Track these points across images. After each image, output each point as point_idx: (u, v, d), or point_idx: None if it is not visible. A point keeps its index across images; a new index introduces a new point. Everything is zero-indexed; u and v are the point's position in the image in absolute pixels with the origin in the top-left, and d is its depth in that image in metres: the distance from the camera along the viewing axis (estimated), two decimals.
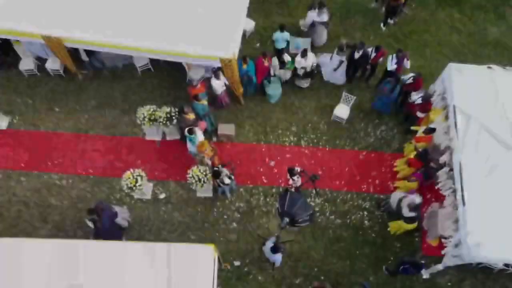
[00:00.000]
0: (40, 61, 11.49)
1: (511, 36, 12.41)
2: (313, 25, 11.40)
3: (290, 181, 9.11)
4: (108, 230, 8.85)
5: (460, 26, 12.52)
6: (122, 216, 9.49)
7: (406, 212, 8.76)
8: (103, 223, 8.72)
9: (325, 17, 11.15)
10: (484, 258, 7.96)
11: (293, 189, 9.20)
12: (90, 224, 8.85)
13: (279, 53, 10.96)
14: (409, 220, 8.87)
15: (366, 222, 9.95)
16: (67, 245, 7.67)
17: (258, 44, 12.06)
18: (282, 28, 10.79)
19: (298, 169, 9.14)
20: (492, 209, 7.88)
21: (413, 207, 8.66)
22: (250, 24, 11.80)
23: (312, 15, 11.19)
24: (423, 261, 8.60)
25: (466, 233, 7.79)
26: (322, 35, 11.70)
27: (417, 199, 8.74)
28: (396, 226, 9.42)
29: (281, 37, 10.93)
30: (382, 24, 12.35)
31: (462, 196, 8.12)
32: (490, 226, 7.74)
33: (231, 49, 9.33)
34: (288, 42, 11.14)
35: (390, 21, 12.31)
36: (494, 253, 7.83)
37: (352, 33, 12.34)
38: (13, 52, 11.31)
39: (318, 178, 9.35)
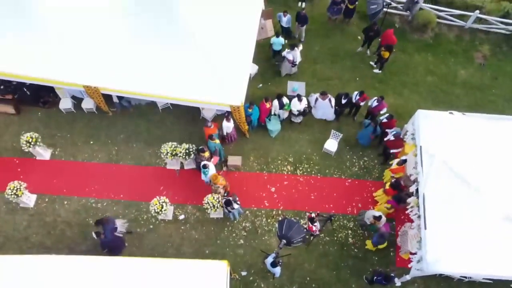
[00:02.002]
0: (75, 100, 13.54)
1: (478, 77, 14.46)
2: (283, 58, 13.69)
3: (314, 228, 10.80)
4: (111, 241, 10.57)
5: (434, 68, 14.55)
6: (120, 228, 11.19)
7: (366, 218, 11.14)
8: (106, 235, 10.45)
9: (290, 57, 13.35)
10: (440, 271, 9.99)
11: (316, 233, 10.95)
12: (94, 235, 10.56)
13: (275, 54, 13.97)
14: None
15: (350, 239, 11.97)
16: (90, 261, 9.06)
17: (260, 85, 14.10)
18: (278, 35, 13.66)
19: (314, 214, 10.80)
20: (448, 232, 9.85)
21: (376, 217, 10.87)
22: (254, 68, 13.87)
23: (286, 50, 13.48)
24: (393, 274, 10.54)
25: (426, 252, 9.82)
26: (287, 68, 13.88)
27: (376, 213, 10.96)
28: (369, 243, 11.49)
29: (277, 42, 13.73)
30: (378, 69, 14.38)
31: (424, 221, 10.15)
32: (446, 246, 9.71)
33: (239, 98, 11.38)
34: (283, 46, 13.80)
35: (379, 71, 14.36)
36: (449, 268, 9.86)
37: (341, 74, 14.38)
38: (53, 93, 13.35)
39: (335, 217, 10.90)
